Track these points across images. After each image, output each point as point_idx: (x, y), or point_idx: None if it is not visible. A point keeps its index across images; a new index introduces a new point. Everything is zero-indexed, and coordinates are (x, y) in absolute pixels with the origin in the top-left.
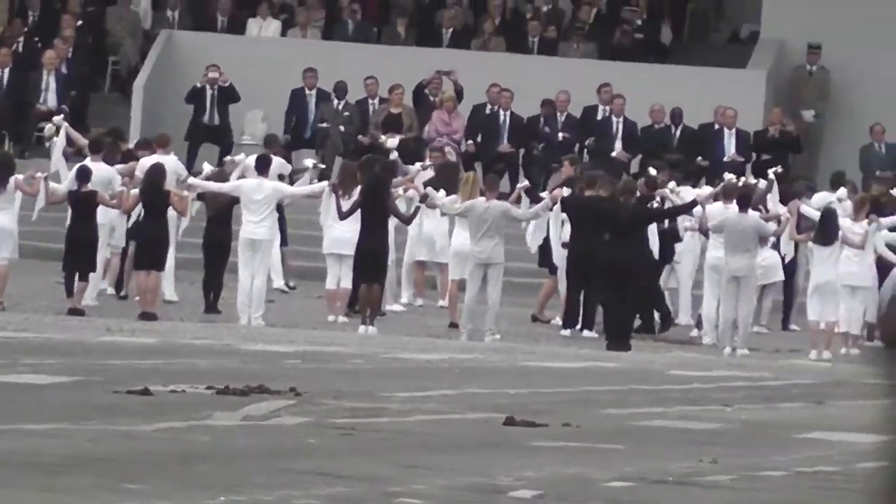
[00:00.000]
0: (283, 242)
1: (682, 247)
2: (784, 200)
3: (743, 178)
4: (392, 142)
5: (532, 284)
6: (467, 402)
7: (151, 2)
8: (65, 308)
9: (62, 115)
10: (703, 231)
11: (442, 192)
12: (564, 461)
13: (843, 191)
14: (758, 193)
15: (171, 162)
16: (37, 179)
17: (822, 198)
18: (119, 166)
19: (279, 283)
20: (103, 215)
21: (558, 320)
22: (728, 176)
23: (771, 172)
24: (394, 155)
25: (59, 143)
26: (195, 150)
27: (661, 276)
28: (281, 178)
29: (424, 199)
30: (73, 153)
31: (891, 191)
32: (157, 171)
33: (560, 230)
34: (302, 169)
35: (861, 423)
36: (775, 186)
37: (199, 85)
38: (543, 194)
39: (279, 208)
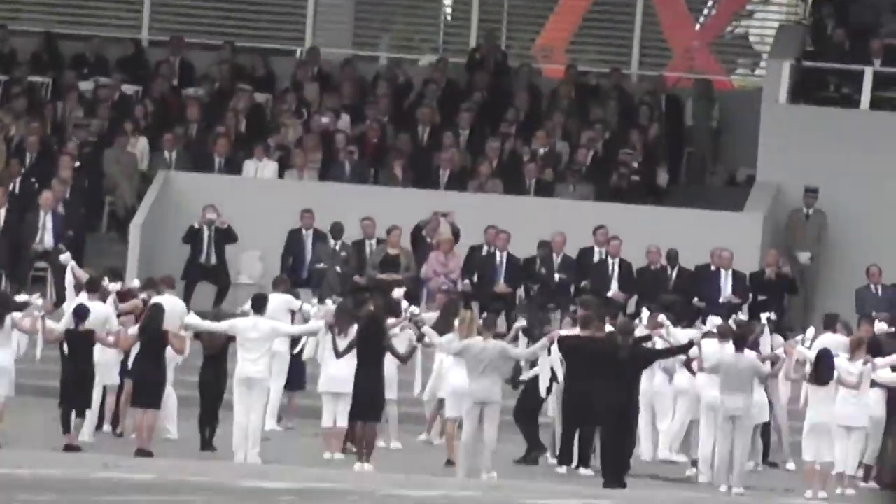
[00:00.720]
0: (300, 385)
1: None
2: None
3: (735, 316)
4: (398, 292)
5: None
6: None
7: (149, 143)
8: (61, 444)
9: (67, 253)
10: (696, 370)
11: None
12: None
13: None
14: (754, 333)
15: (179, 304)
16: (34, 318)
17: (826, 339)
18: (123, 305)
19: (271, 424)
20: (99, 353)
21: (550, 458)
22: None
23: (764, 318)
24: (398, 293)
25: (67, 280)
26: (192, 290)
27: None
28: (293, 313)
29: (422, 338)
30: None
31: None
32: (157, 311)
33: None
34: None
35: None
36: (767, 331)
37: (196, 225)
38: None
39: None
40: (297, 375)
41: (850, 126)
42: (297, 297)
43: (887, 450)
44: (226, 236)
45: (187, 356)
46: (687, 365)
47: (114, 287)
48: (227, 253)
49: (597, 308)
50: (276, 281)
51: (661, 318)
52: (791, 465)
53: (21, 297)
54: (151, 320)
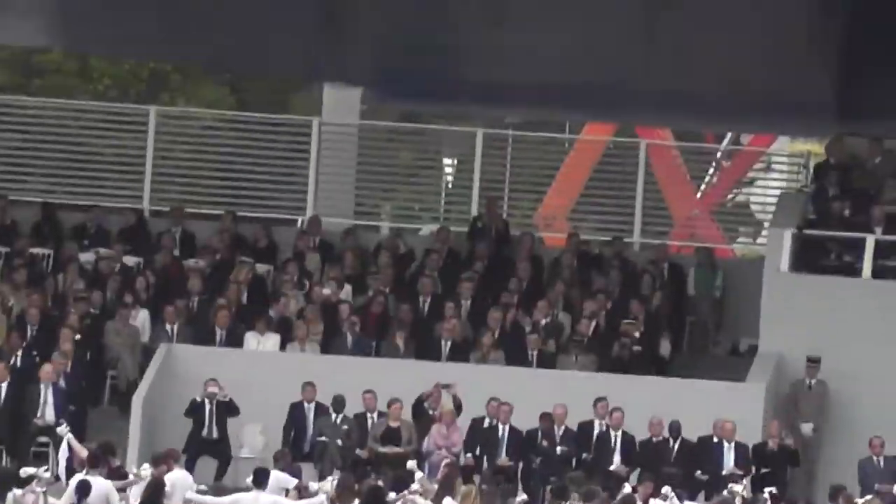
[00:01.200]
0: None
1: None
2: None
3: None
4: (411, 464)
5: None
6: None
7: (150, 315)
8: None
9: (65, 426)
10: None
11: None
12: None
13: None
14: None
15: (188, 479)
16: (36, 494)
17: None
18: (117, 482)
19: None
20: None
21: None
22: (734, 488)
23: (766, 493)
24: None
25: (62, 453)
26: (193, 464)
27: None
28: (287, 492)
29: None
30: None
31: None
32: (157, 487)
33: None
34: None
35: None
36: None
37: (198, 399)
38: None
39: None
40: None
41: (853, 295)
42: (298, 470)
43: None
44: (228, 410)
45: None
46: None
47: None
48: (229, 426)
49: (579, 484)
50: (276, 455)
51: (666, 489)
52: None
53: (26, 471)
54: (151, 496)
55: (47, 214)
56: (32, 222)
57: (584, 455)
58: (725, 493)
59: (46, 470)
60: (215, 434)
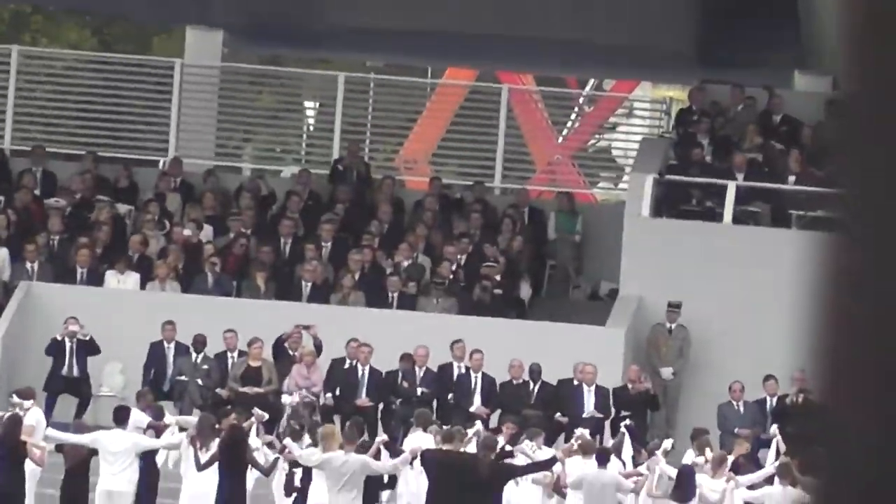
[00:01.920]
0: None
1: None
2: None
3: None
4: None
5: None
6: None
7: (10, 253)
8: None
9: None
10: (560, 488)
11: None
12: None
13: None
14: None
15: (37, 414)
16: None
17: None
18: None
19: None
20: None
21: None
22: (579, 431)
23: (622, 425)
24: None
25: None
26: (53, 401)
27: None
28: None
29: (283, 450)
30: None
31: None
32: (14, 422)
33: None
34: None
35: None
36: (628, 439)
37: (58, 337)
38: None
39: None
40: None
41: (713, 240)
42: (161, 410)
43: None
44: (88, 348)
45: (46, 468)
46: (555, 488)
47: None
48: (89, 365)
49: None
50: (137, 395)
51: (526, 443)
52: None
53: None
54: (9, 431)
55: None
56: None
57: (445, 396)
58: (574, 437)
59: None
60: (75, 372)
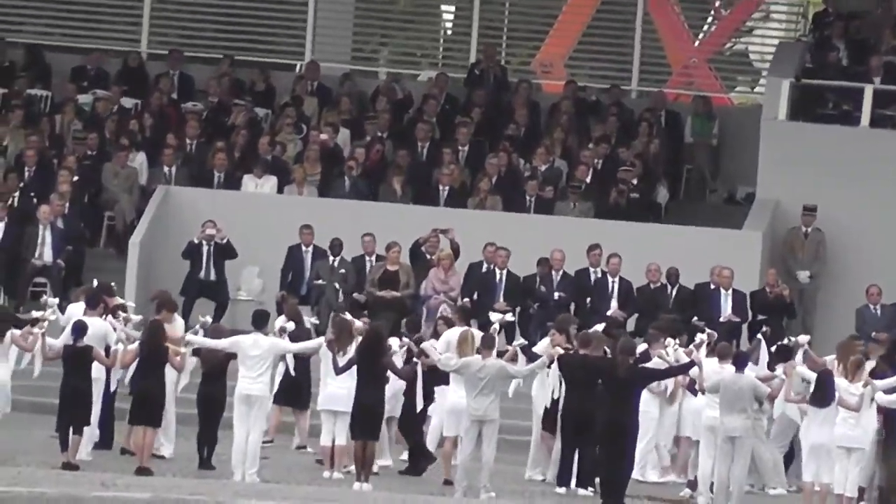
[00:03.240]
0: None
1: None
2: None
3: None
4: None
5: (526, 442)
6: None
7: (148, 158)
8: (59, 462)
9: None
10: (699, 390)
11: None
12: None
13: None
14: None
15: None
16: (34, 335)
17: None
18: (120, 333)
19: None
20: (98, 370)
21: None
22: (702, 336)
23: (759, 334)
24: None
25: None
26: (190, 306)
27: None
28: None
29: (420, 354)
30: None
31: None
32: (157, 328)
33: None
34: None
35: None
36: (763, 346)
37: (195, 241)
38: (539, 349)
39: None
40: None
41: (850, 144)
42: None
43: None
44: (225, 252)
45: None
46: (690, 387)
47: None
48: (227, 269)
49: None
50: (278, 299)
51: (668, 340)
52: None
53: (36, 314)
54: (151, 337)
55: (33, 56)
56: (25, 64)
57: (582, 300)
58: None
59: (53, 313)
60: (212, 276)
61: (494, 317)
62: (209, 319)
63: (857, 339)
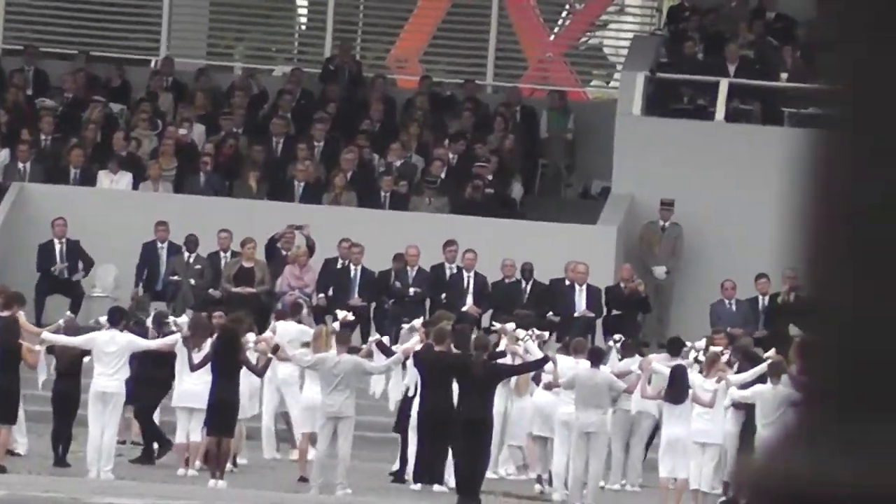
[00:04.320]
0: None
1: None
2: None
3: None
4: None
5: (383, 439)
6: None
7: (3, 154)
8: None
9: None
10: (553, 387)
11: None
12: None
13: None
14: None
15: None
16: None
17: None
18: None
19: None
20: None
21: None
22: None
23: (611, 342)
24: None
25: None
26: (43, 302)
27: None
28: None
29: (276, 350)
30: None
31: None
32: (10, 325)
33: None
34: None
35: None
36: (614, 351)
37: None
38: (395, 348)
39: None
40: None
41: (705, 138)
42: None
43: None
44: (78, 252)
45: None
46: (537, 380)
47: None
48: (81, 265)
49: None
50: (133, 297)
51: (518, 331)
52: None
53: None
54: (5, 333)
55: None
56: None
57: (437, 296)
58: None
59: None
60: (66, 274)
61: (340, 314)
62: (72, 315)
63: (718, 332)
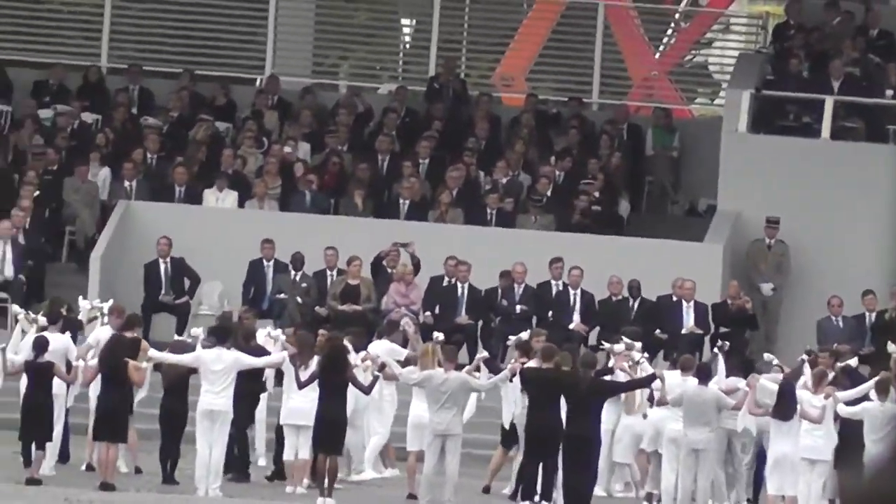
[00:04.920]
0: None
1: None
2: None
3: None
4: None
5: (490, 456)
6: None
7: (109, 173)
8: (22, 478)
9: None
10: (661, 404)
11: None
12: None
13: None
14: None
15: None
16: None
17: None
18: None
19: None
20: (59, 385)
21: (506, 491)
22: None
23: (716, 348)
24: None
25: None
26: (149, 321)
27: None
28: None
29: (382, 368)
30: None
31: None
32: (116, 343)
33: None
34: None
35: None
36: (720, 360)
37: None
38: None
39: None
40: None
41: (811, 156)
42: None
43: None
44: (184, 270)
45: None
46: (651, 399)
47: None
48: (187, 284)
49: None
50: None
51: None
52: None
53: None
54: (112, 352)
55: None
56: None
57: (544, 314)
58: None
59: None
60: (173, 292)
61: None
62: (201, 331)
63: (826, 350)
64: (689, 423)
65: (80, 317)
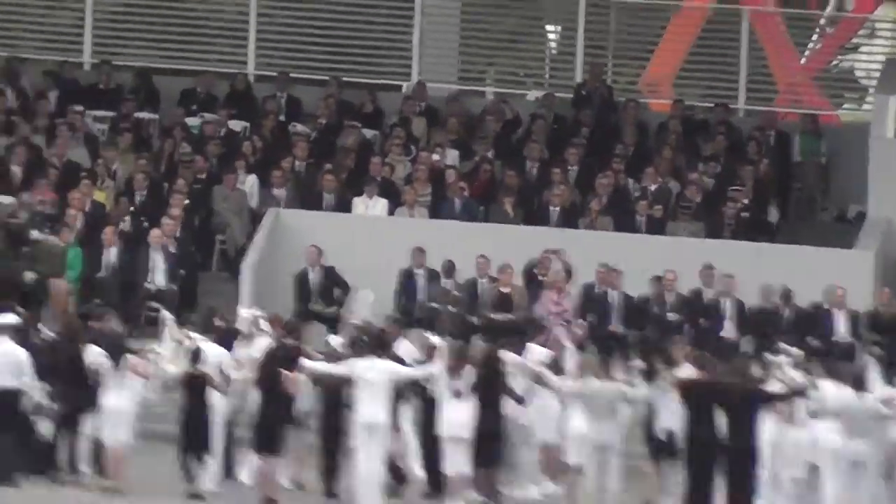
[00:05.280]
0: None
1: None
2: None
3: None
4: None
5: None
6: None
7: (257, 180)
8: (185, 493)
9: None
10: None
11: None
12: None
13: None
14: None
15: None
16: (149, 360)
17: None
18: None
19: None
20: (217, 397)
21: None
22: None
23: (868, 354)
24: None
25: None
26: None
27: None
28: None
29: (538, 379)
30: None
31: None
32: (277, 351)
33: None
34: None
35: None
36: (874, 368)
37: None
38: None
39: None
40: None
41: None
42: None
43: None
44: (334, 279)
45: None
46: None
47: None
48: (337, 292)
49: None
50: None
51: (800, 357)
52: None
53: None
54: (271, 361)
55: (141, 79)
56: (133, 87)
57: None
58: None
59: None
60: (324, 301)
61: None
62: (339, 339)
63: None
64: (846, 434)
65: (237, 325)
